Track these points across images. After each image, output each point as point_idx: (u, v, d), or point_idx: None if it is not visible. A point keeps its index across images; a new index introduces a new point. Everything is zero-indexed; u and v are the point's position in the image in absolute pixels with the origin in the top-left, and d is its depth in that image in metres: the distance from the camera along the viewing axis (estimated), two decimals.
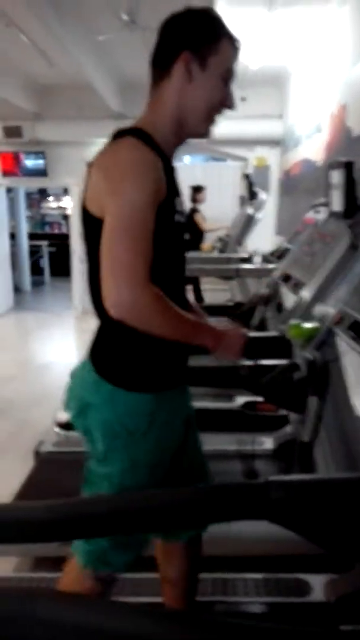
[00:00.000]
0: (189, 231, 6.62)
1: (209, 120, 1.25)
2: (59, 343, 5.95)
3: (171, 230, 1.19)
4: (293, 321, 1.83)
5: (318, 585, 1.73)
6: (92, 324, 1.32)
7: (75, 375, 1.36)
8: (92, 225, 1.16)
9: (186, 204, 5.64)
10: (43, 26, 4.08)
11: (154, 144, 1.15)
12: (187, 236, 1.36)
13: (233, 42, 1.22)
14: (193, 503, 1.09)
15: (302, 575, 1.78)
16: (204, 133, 1.27)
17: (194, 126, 1.24)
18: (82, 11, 4.40)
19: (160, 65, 1.21)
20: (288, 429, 2.49)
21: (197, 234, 6.58)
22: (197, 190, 6.56)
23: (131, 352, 1.24)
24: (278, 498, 1.04)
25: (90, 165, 1.19)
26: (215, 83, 1.20)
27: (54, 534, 1.09)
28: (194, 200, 6.56)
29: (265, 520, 1.07)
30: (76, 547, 1.34)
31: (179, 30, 1.19)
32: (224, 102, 1.23)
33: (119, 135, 1.18)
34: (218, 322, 1.51)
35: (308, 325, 1.79)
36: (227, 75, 1.22)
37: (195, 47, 1.17)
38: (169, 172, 1.19)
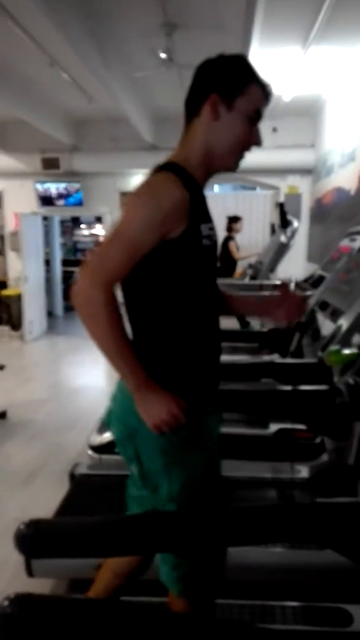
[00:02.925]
0: (222, 259, 6.70)
1: (235, 155, 1.32)
2: (91, 367, 6.02)
3: (200, 253, 1.27)
4: (333, 347, 1.85)
5: None
6: None
7: (115, 398, 1.40)
8: None
9: (220, 233, 5.69)
10: (85, 64, 4.28)
11: (187, 175, 1.25)
12: (217, 264, 1.40)
13: (262, 86, 1.28)
14: (238, 523, 1.10)
15: (344, 605, 1.74)
16: (231, 167, 1.34)
17: (221, 160, 1.32)
18: (122, 50, 4.61)
19: (192, 105, 1.31)
20: (324, 457, 2.46)
21: (230, 262, 6.65)
22: (233, 220, 6.67)
23: (168, 373, 1.29)
24: (324, 519, 1.04)
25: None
26: (240, 123, 1.28)
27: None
28: (230, 229, 6.65)
29: (310, 543, 1.07)
30: (166, 580, 1.39)
31: (209, 73, 1.29)
32: (250, 140, 1.31)
33: (156, 170, 1.29)
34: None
35: (348, 351, 1.80)
36: (253, 116, 1.28)
37: (223, 89, 1.26)
38: (199, 201, 1.27)
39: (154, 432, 1.25)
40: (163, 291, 1.27)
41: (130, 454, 1.35)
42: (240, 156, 1.33)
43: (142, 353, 1.27)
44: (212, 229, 1.32)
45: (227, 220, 6.63)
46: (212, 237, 1.31)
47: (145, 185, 1.25)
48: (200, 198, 1.28)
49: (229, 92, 1.25)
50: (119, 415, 1.38)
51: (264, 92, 1.29)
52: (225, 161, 1.32)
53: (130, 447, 1.34)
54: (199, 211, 1.26)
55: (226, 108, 1.26)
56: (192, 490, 1.32)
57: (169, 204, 1.19)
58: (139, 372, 1.24)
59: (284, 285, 1.55)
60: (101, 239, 1.32)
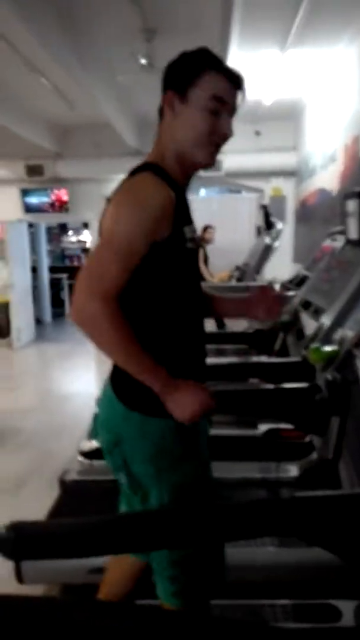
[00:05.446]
0: None
1: (203, 149, 1.24)
2: (80, 373, 6.02)
3: (184, 256, 1.26)
4: (314, 345, 1.87)
5: (349, 610, 1.71)
6: None
7: (101, 405, 1.38)
8: None
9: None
10: (65, 71, 4.29)
11: (166, 175, 1.22)
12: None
13: (223, 73, 1.22)
14: (221, 519, 1.11)
15: (332, 601, 1.76)
16: (205, 163, 1.27)
17: (191, 157, 1.25)
18: (102, 56, 4.63)
19: (159, 108, 1.29)
20: (313, 456, 2.48)
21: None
22: (203, 229, 6.41)
23: None
24: (304, 513, 1.05)
25: (108, 200, 1.27)
26: (198, 114, 1.21)
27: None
28: (201, 239, 6.43)
29: (292, 537, 1.08)
30: (163, 595, 1.38)
31: (167, 73, 1.27)
32: (217, 130, 1.23)
33: (135, 171, 1.26)
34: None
35: (328, 348, 1.83)
36: (212, 105, 1.21)
37: (176, 83, 1.22)
38: (181, 202, 1.24)
39: (189, 424, 1.23)
40: (148, 294, 1.25)
41: (118, 462, 1.31)
42: (211, 149, 1.25)
43: None
44: (194, 231, 1.30)
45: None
46: (195, 240, 1.29)
47: (131, 190, 1.20)
48: (181, 200, 1.25)
49: (180, 85, 1.21)
50: (104, 422, 1.35)
51: (228, 78, 1.22)
52: (196, 156, 1.25)
53: (118, 455, 1.30)
54: (182, 213, 1.23)
55: (180, 102, 1.22)
56: (183, 497, 1.29)
57: (157, 207, 1.16)
58: (160, 373, 1.21)
59: (264, 286, 1.56)
60: (91, 249, 1.29)
